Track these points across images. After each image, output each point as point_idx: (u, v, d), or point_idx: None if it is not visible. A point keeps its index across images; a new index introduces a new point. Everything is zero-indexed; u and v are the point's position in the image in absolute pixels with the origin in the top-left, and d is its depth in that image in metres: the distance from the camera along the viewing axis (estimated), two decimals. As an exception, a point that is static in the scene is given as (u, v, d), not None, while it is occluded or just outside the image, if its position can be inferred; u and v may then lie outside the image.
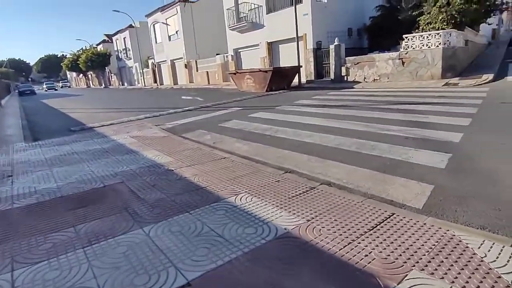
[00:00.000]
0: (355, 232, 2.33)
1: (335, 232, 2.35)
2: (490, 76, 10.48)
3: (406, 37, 12.23)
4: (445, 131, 5.23)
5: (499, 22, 33.20)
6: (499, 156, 4.01)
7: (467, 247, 2.06)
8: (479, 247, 2.04)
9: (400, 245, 2.13)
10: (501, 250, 1.99)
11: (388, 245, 2.13)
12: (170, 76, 31.73)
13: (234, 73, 16.85)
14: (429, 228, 2.32)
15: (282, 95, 13.31)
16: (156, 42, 33.89)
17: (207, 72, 26.28)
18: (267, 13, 18.90)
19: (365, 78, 13.94)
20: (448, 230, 2.25)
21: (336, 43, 14.67)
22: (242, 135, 6.28)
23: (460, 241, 2.13)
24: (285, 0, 17.46)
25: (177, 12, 28.00)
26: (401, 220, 2.50)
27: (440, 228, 2.31)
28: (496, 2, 14.14)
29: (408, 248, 2.09)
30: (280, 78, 14.85)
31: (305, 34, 16.63)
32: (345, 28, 18.01)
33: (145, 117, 9.39)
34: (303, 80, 16.67)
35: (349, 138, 5.32)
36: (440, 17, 12.06)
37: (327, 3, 16.79)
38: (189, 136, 6.39)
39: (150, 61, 36.39)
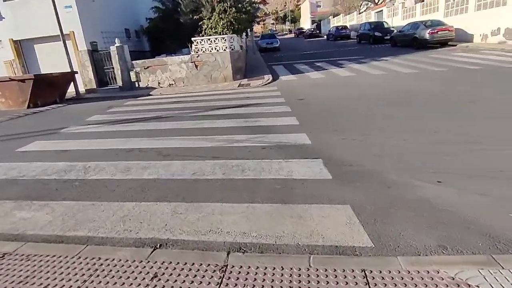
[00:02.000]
0: None
1: None
2: (270, 77, 12.14)
3: (196, 41, 12.07)
4: (288, 134, 5.03)
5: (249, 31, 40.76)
6: (360, 152, 4.06)
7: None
8: None
9: None
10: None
11: None
12: None
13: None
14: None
15: (58, 111, 9.83)
16: None
17: None
18: (4, 0, 13.61)
19: (159, 83, 12.78)
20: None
21: (117, 44, 12.51)
22: (22, 190, 3.66)
23: None
24: (32, -14, 13.11)
25: None
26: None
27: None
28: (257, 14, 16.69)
29: None
30: (47, 89, 11.03)
31: (73, 31, 13.22)
32: (121, 28, 15.90)
33: None
34: (82, 89, 13.34)
35: (202, 161, 4.09)
36: (221, 23, 12.71)
37: (94, -3, 14.08)
38: None
39: None
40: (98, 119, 7.64)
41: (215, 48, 12.07)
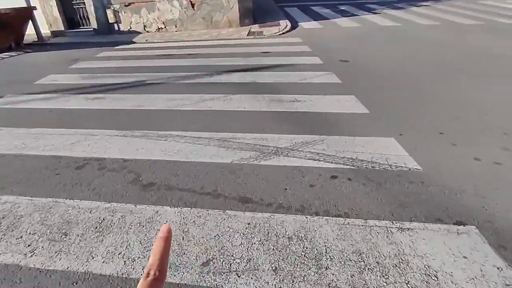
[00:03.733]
0: None
1: None
2: (287, 24, 9.48)
3: (190, -32, 9.08)
4: (367, 136, 2.88)
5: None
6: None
7: None
8: None
9: None
10: None
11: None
12: None
13: None
14: None
15: (1, 64, 7.28)
16: None
17: None
18: None
19: (145, 26, 10.00)
20: None
21: (87, -30, 9.45)
22: None
23: None
24: None
25: None
26: None
27: None
28: None
29: None
30: (-6, 30, 8.31)
31: (27, -50, 9.93)
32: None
33: None
34: (45, 31, 10.48)
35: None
36: None
37: None
38: None
39: None
40: (52, 82, 5.26)
41: (218, -19, 9.15)
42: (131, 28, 10.10)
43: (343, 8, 12.59)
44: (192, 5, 9.50)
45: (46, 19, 10.51)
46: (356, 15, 10.81)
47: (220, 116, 3.47)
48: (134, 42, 8.94)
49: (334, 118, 3.29)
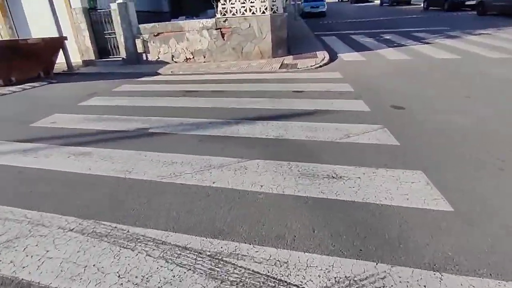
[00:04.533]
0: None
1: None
2: (325, 55, 8.52)
3: (222, -2, 8.55)
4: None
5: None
6: None
7: None
8: None
9: None
10: None
11: None
12: None
13: None
14: None
15: (23, 96, 6.89)
16: None
17: None
18: None
19: (173, 56, 9.53)
20: None
21: (120, 0, 9.27)
22: None
23: None
24: None
25: None
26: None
27: None
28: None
29: None
30: (24, 60, 8.18)
31: (65, -18, 10.07)
32: (132, -20, 12.47)
33: None
34: (77, 60, 10.41)
35: None
36: (259, -28, 8.98)
37: None
38: None
39: None
40: (50, 124, 4.59)
41: (250, 9, 8.46)
42: (159, 58, 9.67)
43: (387, 37, 11.41)
44: (222, 35, 8.88)
45: (79, 48, 10.46)
46: (403, 45, 9.57)
47: (224, 202, 2.43)
48: (159, 74, 8.41)
49: (399, 218, 2.12)
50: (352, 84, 5.70)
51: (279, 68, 7.69)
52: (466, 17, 16.23)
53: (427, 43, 9.66)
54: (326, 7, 23.15)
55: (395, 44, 9.81)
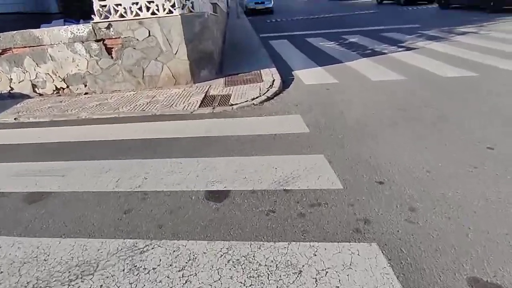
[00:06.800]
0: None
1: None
2: (276, 76, 5.46)
3: (100, -10, 5.12)
4: None
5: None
6: None
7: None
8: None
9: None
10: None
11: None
12: None
13: None
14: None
15: None
16: None
17: None
18: None
19: (34, 86, 5.89)
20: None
21: None
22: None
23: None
24: None
25: None
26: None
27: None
28: None
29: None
30: None
31: None
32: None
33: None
34: None
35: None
36: None
37: None
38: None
39: None
40: None
41: (147, 7, 5.16)
42: (12, 89, 5.98)
43: (353, 40, 8.76)
44: (108, 51, 5.45)
45: None
46: (380, 52, 6.92)
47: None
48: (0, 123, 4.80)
49: None
50: (330, 153, 2.73)
51: (199, 106, 4.51)
52: (428, 11, 14.39)
53: (409, 48, 7.12)
54: (273, 2, 20.38)
55: (368, 51, 7.14)
